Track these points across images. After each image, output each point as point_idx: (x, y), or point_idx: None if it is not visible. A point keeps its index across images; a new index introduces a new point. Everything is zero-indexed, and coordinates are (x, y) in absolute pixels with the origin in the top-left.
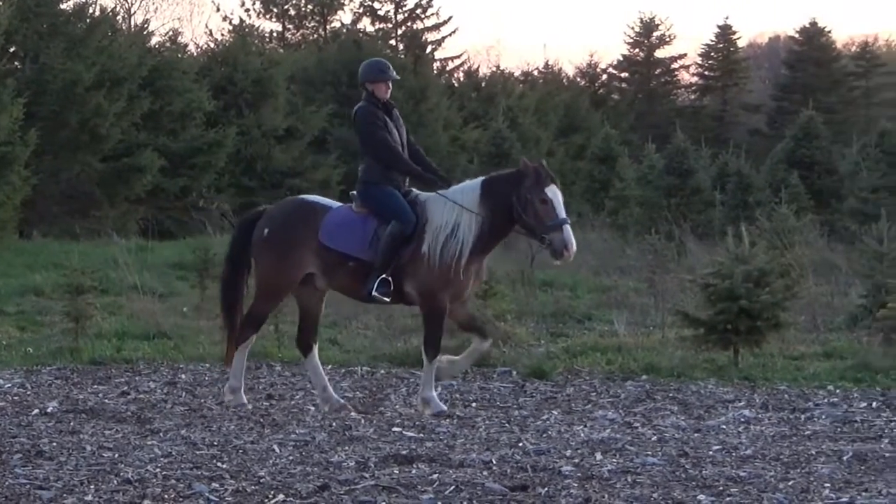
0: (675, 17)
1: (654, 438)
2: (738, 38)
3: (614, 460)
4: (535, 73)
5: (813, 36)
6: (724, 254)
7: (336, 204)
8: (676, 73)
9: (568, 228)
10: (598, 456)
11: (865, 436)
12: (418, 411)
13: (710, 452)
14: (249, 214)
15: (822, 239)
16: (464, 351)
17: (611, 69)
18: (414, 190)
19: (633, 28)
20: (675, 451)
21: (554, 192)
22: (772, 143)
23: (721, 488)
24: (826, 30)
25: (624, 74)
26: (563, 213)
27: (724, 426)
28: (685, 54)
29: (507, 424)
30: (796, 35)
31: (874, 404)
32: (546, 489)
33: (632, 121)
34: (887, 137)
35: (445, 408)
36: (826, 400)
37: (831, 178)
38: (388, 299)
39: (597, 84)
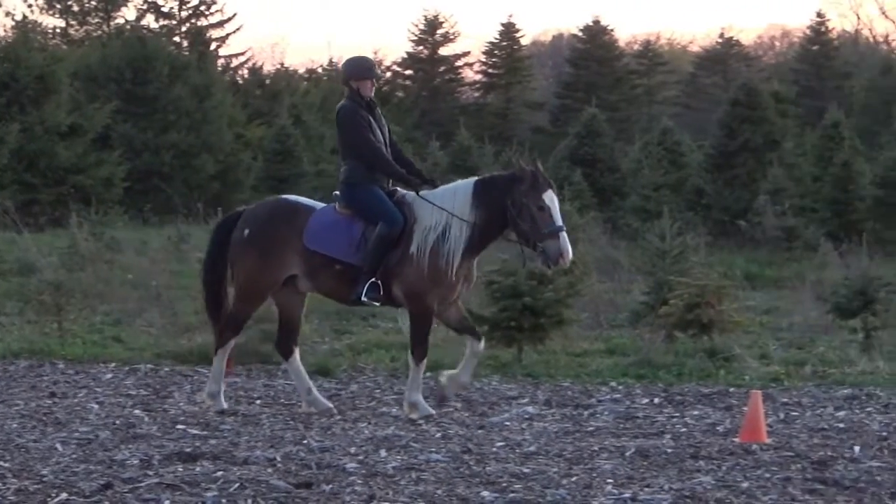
0: (460, 15)
1: (439, 435)
2: (521, 37)
3: (398, 457)
4: (320, 70)
5: (596, 34)
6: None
7: (319, 205)
8: (460, 70)
9: (564, 236)
10: (383, 453)
11: (648, 432)
12: (405, 414)
13: (494, 449)
14: (228, 215)
15: (605, 236)
16: (460, 361)
17: (395, 67)
18: (399, 190)
19: (417, 26)
20: (458, 448)
21: (551, 199)
22: (555, 141)
23: (504, 484)
24: (609, 28)
25: (408, 72)
26: (559, 221)
27: (507, 423)
28: (469, 52)
29: (291, 422)
30: (579, 33)
31: (656, 400)
32: (330, 486)
33: (416, 118)
34: (669, 135)
35: (433, 411)
36: (609, 396)
37: (614, 175)
38: (378, 303)
39: (381, 82)
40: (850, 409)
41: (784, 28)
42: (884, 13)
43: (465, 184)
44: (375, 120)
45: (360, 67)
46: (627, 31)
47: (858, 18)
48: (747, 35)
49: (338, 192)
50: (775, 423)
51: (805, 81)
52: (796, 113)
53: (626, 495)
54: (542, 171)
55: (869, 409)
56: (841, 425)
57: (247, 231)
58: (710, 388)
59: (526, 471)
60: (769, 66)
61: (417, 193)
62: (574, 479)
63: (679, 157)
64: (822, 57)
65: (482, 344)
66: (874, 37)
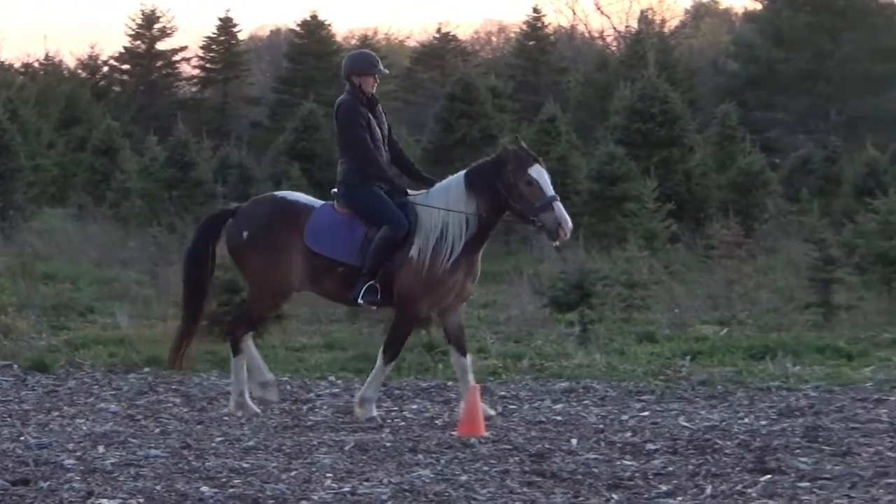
0: (177, 10)
1: (157, 431)
2: (239, 32)
3: (117, 453)
4: (36, 64)
5: (313, 29)
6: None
7: (316, 202)
8: (178, 65)
9: (559, 206)
10: (101, 449)
11: (366, 426)
12: (353, 410)
13: (213, 444)
14: (216, 213)
15: None
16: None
17: (112, 61)
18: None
19: (134, 20)
20: (178, 443)
21: (538, 172)
22: (273, 136)
23: (224, 479)
24: (326, 23)
25: (126, 66)
26: (550, 192)
27: (226, 418)
28: (186, 47)
29: (8, 418)
30: (297, 28)
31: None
32: (48, 483)
33: (134, 113)
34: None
35: (376, 414)
36: (328, 391)
37: (332, 170)
38: (374, 307)
39: (98, 76)
40: (567, 402)
41: (501, 23)
42: (599, 9)
43: (457, 178)
44: (376, 117)
45: (363, 63)
46: (345, 26)
47: (574, 14)
48: (464, 30)
49: (335, 190)
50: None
51: (522, 76)
52: (513, 108)
53: (346, 489)
54: (526, 147)
55: (586, 401)
56: (558, 418)
57: (246, 233)
58: (428, 383)
59: (245, 466)
60: (486, 62)
61: (405, 196)
62: (293, 473)
63: None
64: (538, 52)
65: (468, 359)
66: (590, 32)
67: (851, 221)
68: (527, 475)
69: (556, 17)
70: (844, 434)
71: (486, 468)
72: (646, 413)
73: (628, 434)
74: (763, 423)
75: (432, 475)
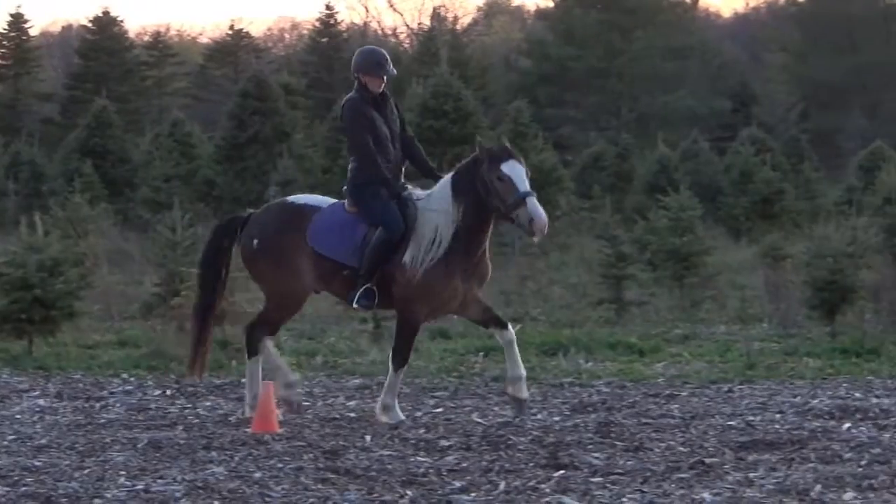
0: None
1: None
2: (30, 27)
3: None
4: None
5: (105, 25)
6: (18, 243)
7: (327, 201)
8: None
9: (532, 201)
10: None
11: (160, 423)
12: (376, 417)
13: (5, 443)
14: (229, 219)
15: (116, 228)
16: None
17: None
18: (409, 188)
19: None
20: None
21: (511, 167)
22: (65, 132)
23: (16, 478)
24: (119, 19)
25: None
26: (524, 187)
27: (18, 416)
28: None
29: None
30: (89, 24)
31: (168, 392)
32: None
33: None
34: (179, 127)
35: (403, 417)
36: (121, 388)
37: (125, 167)
38: (369, 311)
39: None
40: (361, 398)
41: (294, 20)
42: (392, 6)
43: (445, 180)
44: (384, 115)
45: (370, 62)
46: (137, 22)
47: (367, 11)
48: (257, 27)
49: (346, 188)
50: (286, 412)
51: (315, 73)
52: (306, 104)
53: (139, 487)
54: (507, 144)
55: (379, 398)
56: (352, 415)
57: (256, 241)
58: (222, 379)
59: (37, 464)
60: (279, 59)
61: (401, 197)
62: (86, 471)
63: (190, 149)
64: (331, 49)
65: (511, 331)
66: (383, 30)
67: (643, 218)
68: (321, 472)
69: (348, 15)
70: (636, 429)
71: (280, 465)
72: (439, 409)
73: (422, 430)
74: (556, 418)
75: (226, 472)
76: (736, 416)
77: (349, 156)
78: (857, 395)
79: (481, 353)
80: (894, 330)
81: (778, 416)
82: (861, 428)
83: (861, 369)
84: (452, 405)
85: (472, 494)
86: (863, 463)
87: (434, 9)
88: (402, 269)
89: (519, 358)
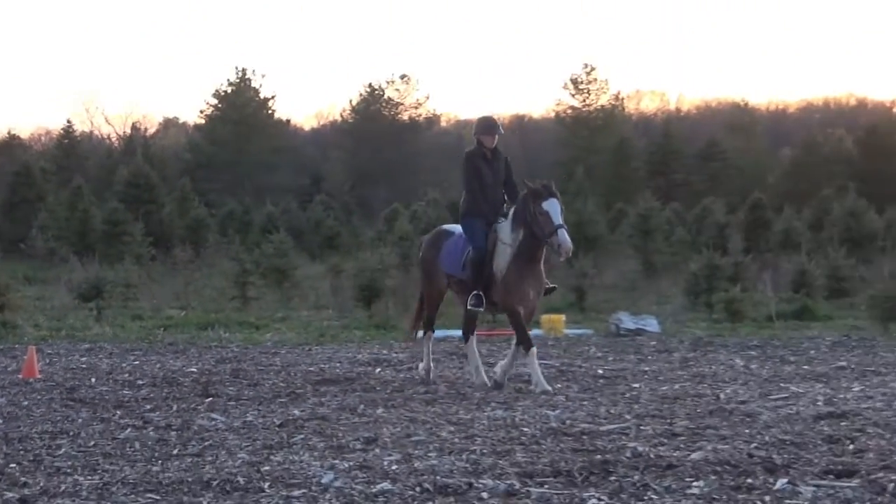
0: None
1: None
2: None
3: None
4: None
5: None
6: None
7: (459, 231)
8: None
9: (562, 232)
10: None
11: None
12: (535, 391)
13: None
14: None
15: None
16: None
17: None
18: (499, 224)
19: None
20: None
21: (550, 204)
22: None
23: None
24: None
25: None
26: (558, 221)
27: None
28: None
29: None
30: None
31: None
32: None
33: None
34: None
35: (548, 387)
36: None
37: None
38: (481, 310)
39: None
40: (89, 356)
41: (47, 129)
42: (107, 120)
43: (511, 213)
44: (490, 165)
45: (483, 126)
46: None
47: (92, 123)
48: (24, 132)
49: None
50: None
51: (62, 160)
52: (54, 180)
53: None
54: (551, 185)
55: (101, 356)
56: (84, 365)
57: (421, 254)
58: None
59: None
60: (38, 153)
61: (491, 225)
62: None
63: None
64: (69, 147)
65: (533, 350)
66: (101, 134)
67: (258, 247)
68: (65, 401)
69: (80, 124)
70: (255, 373)
71: (39, 397)
72: (137, 362)
73: (126, 375)
74: (207, 367)
75: (5, 401)
76: (314, 364)
77: (464, 194)
78: (385, 351)
79: (162, 328)
80: (406, 312)
81: (338, 364)
82: (387, 371)
83: (388, 336)
84: (145, 359)
85: (157, 413)
86: (388, 391)
87: (133, 122)
88: (494, 277)
89: (513, 362)
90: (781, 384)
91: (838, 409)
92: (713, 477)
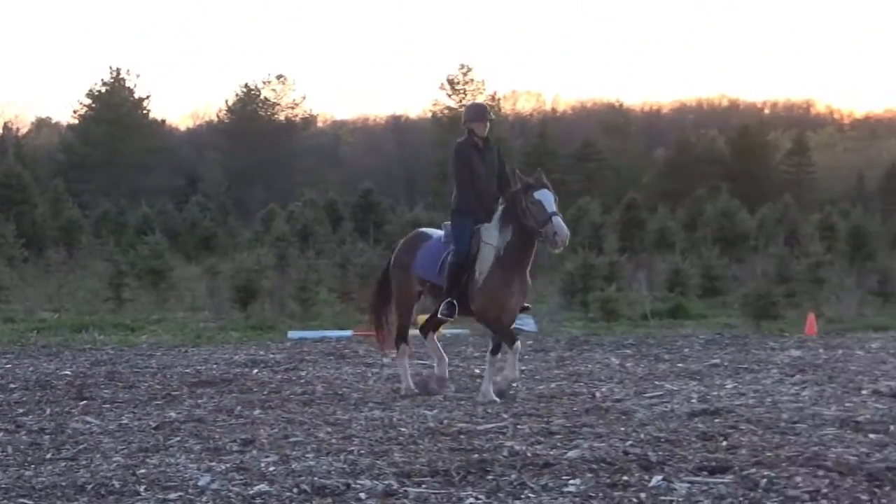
0: None
1: None
2: None
3: None
4: None
5: None
6: None
7: (438, 234)
8: None
9: (557, 219)
10: None
11: None
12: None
13: None
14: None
15: None
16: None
17: None
18: (484, 225)
19: None
20: None
21: (542, 194)
22: None
23: None
24: None
25: None
26: (551, 209)
27: None
28: None
29: None
30: None
31: None
32: None
33: None
34: None
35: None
36: None
37: None
38: (451, 319)
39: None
40: None
41: None
42: None
43: (498, 211)
44: (483, 156)
45: (474, 111)
46: None
47: None
48: None
49: (445, 223)
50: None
51: None
52: None
53: None
54: (541, 176)
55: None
56: None
57: (393, 257)
58: None
59: None
60: None
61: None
62: None
63: None
64: None
65: (517, 344)
66: None
67: (133, 249)
68: None
69: None
70: (131, 375)
71: None
72: (9, 365)
73: None
74: (82, 368)
75: None
76: (190, 366)
77: (454, 187)
78: (262, 352)
79: (35, 331)
80: (283, 312)
81: (214, 366)
82: (264, 372)
83: (265, 337)
84: (17, 362)
85: (30, 416)
86: (265, 392)
87: (5, 122)
88: (473, 283)
89: (489, 371)
90: (656, 382)
91: (712, 407)
92: (589, 475)
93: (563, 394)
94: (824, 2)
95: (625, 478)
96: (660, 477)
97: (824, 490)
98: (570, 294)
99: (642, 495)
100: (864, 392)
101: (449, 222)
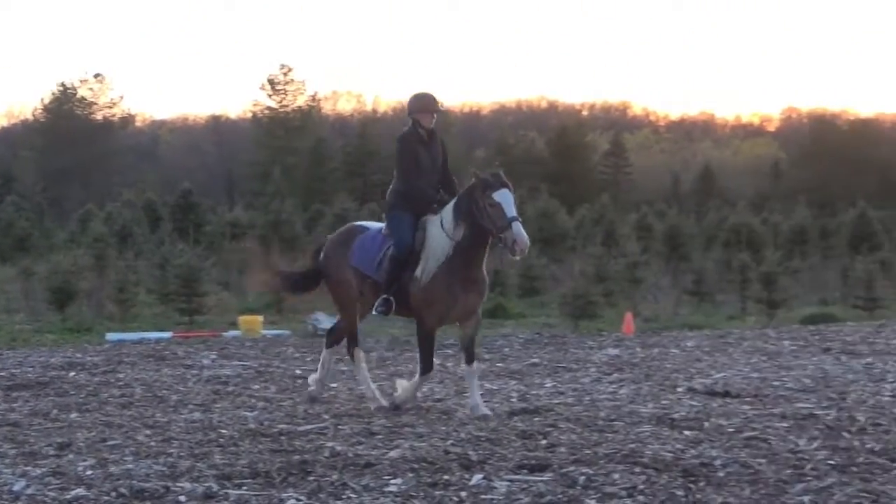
0: None
1: None
2: None
3: None
4: None
5: None
6: None
7: (376, 227)
8: None
9: (517, 226)
10: None
11: None
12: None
13: None
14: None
15: None
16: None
17: None
18: (428, 217)
19: None
20: None
21: (502, 195)
22: None
23: None
24: None
25: None
26: (512, 213)
27: None
28: None
29: None
30: None
31: None
32: None
33: None
34: None
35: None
36: None
37: None
38: (385, 315)
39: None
40: None
41: None
42: None
43: (450, 204)
44: (429, 148)
45: (421, 102)
46: None
47: None
48: None
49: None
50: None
51: None
52: None
53: None
54: (500, 174)
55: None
56: None
57: (322, 255)
58: None
59: None
60: None
61: (419, 218)
62: None
63: None
64: None
65: (474, 366)
66: None
67: None
68: None
69: None
70: None
71: None
72: None
73: None
74: None
75: None
76: (4, 369)
77: (394, 180)
78: (79, 355)
79: None
80: (101, 314)
81: (30, 369)
82: (81, 374)
83: (82, 339)
84: None
85: None
86: (82, 395)
87: None
88: (414, 281)
89: (476, 388)
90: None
91: (531, 406)
92: (410, 474)
93: (384, 394)
94: (638, 6)
95: (446, 477)
96: (480, 476)
97: (641, 486)
98: None
99: (463, 494)
100: (679, 390)
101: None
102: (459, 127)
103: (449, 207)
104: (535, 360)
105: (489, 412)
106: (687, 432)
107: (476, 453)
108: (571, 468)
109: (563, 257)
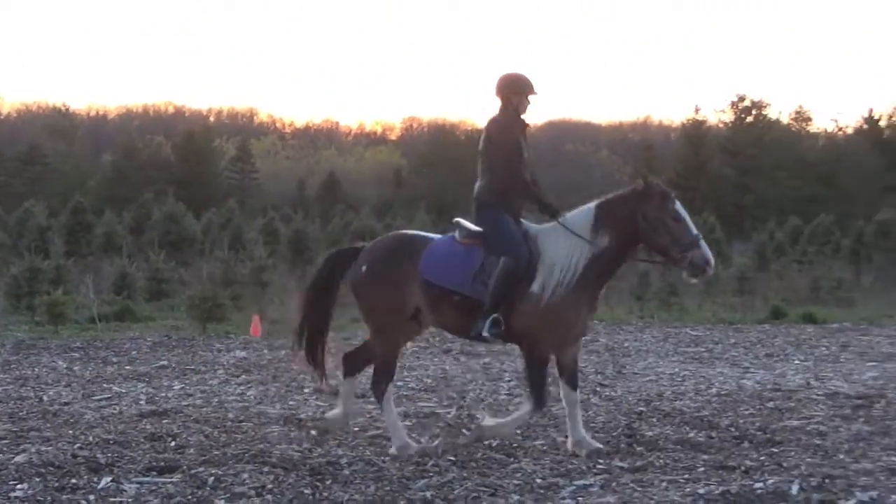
0: None
1: None
2: None
3: None
4: None
5: None
6: None
7: (436, 237)
8: None
9: (704, 244)
10: None
11: None
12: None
13: None
14: (340, 250)
15: None
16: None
17: None
18: (524, 222)
19: None
20: None
21: (682, 208)
22: None
23: None
24: None
25: None
26: (695, 230)
27: None
28: None
29: None
30: None
31: None
32: None
33: None
34: None
35: (599, 445)
36: None
37: None
38: (500, 340)
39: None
40: None
41: None
42: None
43: (586, 210)
44: (525, 140)
45: (522, 82)
46: None
47: None
48: None
49: (457, 220)
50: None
51: None
52: None
53: None
54: (663, 184)
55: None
56: None
57: (364, 267)
58: None
59: None
60: None
61: (557, 220)
62: None
63: None
64: None
65: (577, 394)
66: None
67: None
68: None
69: None
70: None
71: None
72: None
73: None
74: None
75: None
76: None
77: (481, 174)
78: None
79: None
80: None
81: None
82: None
83: None
84: None
85: None
86: None
87: None
88: (527, 298)
89: (580, 420)
90: (104, 385)
91: (160, 408)
92: (37, 479)
93: (10, 398)
94: (251, 14)
95: (73, 481)
96: (109, 478)
97: (269, 486)
98: (17, 297)
99: (91, 497)
100: (306, 390)
101: (457, 231)
102: (86, 130)
103: (582, 213)
104: (164, 363)
105: (601, 445)
106: (313, 432)
107: (104, 456)
108: (201, 469)
109: (190, 261)
